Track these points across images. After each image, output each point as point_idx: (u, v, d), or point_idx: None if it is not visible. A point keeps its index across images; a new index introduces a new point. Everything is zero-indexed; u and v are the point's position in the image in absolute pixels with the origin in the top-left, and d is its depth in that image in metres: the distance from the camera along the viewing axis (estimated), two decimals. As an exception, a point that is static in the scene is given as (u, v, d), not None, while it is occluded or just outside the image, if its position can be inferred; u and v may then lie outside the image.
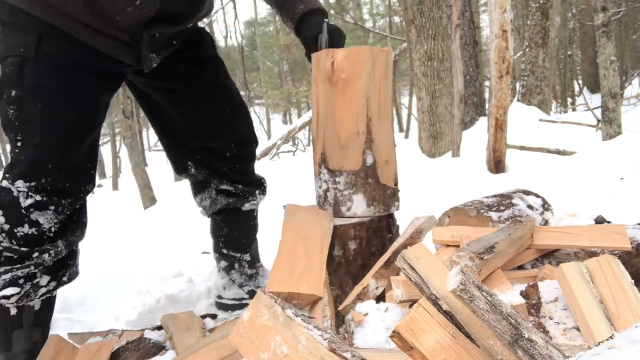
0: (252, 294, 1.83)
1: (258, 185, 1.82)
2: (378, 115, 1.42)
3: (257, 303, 0.79)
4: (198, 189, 1.81)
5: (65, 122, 1.36)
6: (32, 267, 1.36)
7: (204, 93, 1.65)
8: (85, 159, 1.44)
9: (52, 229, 1.38)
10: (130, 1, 1.31)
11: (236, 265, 1.87)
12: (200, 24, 1.72)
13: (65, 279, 1.48)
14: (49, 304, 1.50)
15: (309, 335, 0.69)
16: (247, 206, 1.81)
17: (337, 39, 1.53)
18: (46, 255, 1.38)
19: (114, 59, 1.43)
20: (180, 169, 1.78)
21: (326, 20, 1.55)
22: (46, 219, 1.36)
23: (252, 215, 1.87)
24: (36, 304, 1.44)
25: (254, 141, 1.79)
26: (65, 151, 1.37)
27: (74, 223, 1.46)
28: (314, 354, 0.67)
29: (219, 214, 1.82)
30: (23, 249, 1.34)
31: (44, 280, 1.41)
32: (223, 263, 1.88)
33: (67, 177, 1.37)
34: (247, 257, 1.87)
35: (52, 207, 1.36)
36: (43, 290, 1.42)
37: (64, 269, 1.47)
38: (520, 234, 1.32)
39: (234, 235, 1.83)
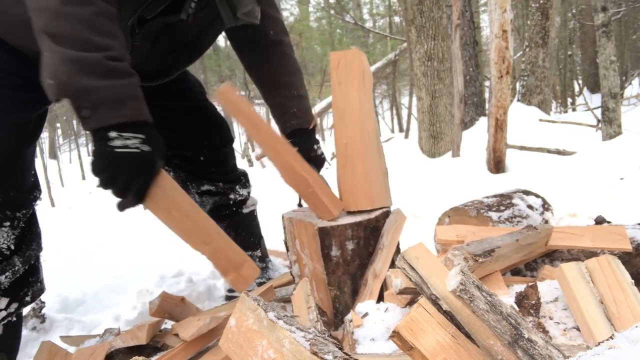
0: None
1: (237, 180, 1.86)
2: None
3: (242, 306, 0.76)
4: None
5: (11, 130, 1.27)
6: None
7: (171, 107, 1.67)
8: (29, 166, 1.37)
9: (10, 247, 1.29)
10: None
11: None
12: None
13: (28, 298, 1.37)
14: (13, 328, 1.39)
15: (292, 338, 0.68)
16: (245, 209, 1.87)
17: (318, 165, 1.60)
18: (2, 277, 1.28)
19: None
20: None
21: (316, 146, 1.60)
22: (2, 237, 1.27)
23: (252, 216, 1.94)
24: None
25: (226, 142, 1.81)
26: (13, 160, 1.29)
27: (28, 235, 1.38)
28: (297, 357, 0.67)
29: (223, 221, 1.85)
30: None
31: (2, 302, 1.29)
32: None
33: (15, 188, 1.29)
34: (257, 253, 1.94)
35: (7, 223, 1.28)
36: (3, 314, 1.30)
37: (25, 287, 1.37)
38: (531, 241, 1.29)
39: (242, 237, 1.89)
